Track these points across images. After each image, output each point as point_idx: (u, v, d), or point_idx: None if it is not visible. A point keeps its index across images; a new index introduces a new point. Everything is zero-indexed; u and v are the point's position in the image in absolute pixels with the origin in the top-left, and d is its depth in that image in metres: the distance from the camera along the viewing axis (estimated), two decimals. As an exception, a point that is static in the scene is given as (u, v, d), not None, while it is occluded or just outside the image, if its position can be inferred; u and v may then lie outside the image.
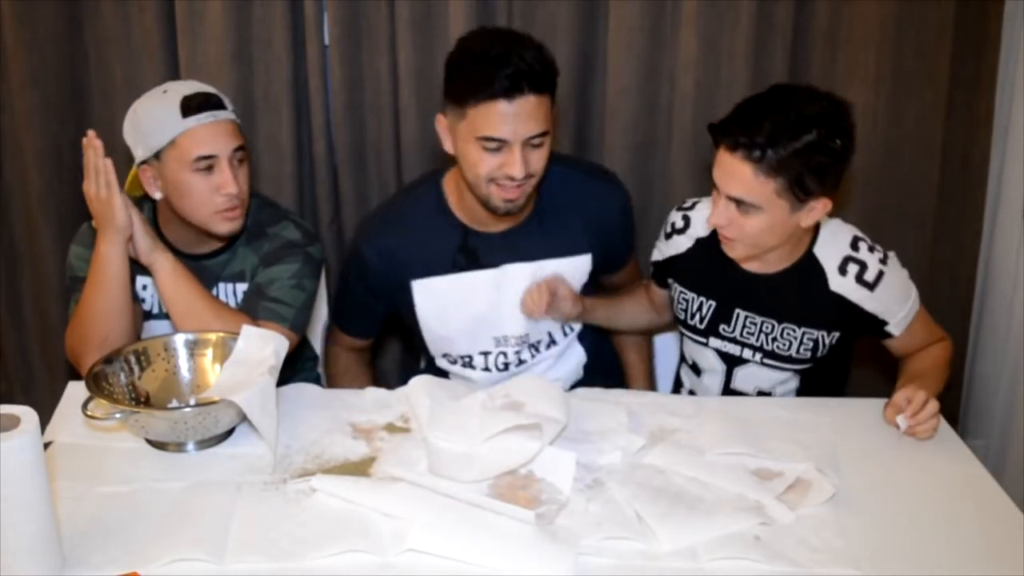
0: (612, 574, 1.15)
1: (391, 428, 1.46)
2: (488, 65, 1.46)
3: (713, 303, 1.67)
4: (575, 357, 1.86)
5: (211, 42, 2.08)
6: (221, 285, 1.70)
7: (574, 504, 1.26)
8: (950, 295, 2.28)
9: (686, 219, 1.71)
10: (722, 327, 1.67)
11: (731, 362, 1.69)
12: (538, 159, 1.54)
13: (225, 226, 1.60)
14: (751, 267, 1.62)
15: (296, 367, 1.86)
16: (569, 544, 1.17)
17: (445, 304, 1.71)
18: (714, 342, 1.69)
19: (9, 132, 2.18)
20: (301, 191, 2.21)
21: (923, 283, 2.16)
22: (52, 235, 2.20)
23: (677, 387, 1.88)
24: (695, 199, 1.74)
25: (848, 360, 1.75)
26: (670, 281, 1.75)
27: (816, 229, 1.59)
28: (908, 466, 1.38)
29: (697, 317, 1.69)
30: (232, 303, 1.69)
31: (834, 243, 1.58)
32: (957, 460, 1.41)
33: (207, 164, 1.54)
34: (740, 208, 1.46)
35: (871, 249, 1.58)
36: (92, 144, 1.53)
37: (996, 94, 2.14)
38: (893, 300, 1.58)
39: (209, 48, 2.08)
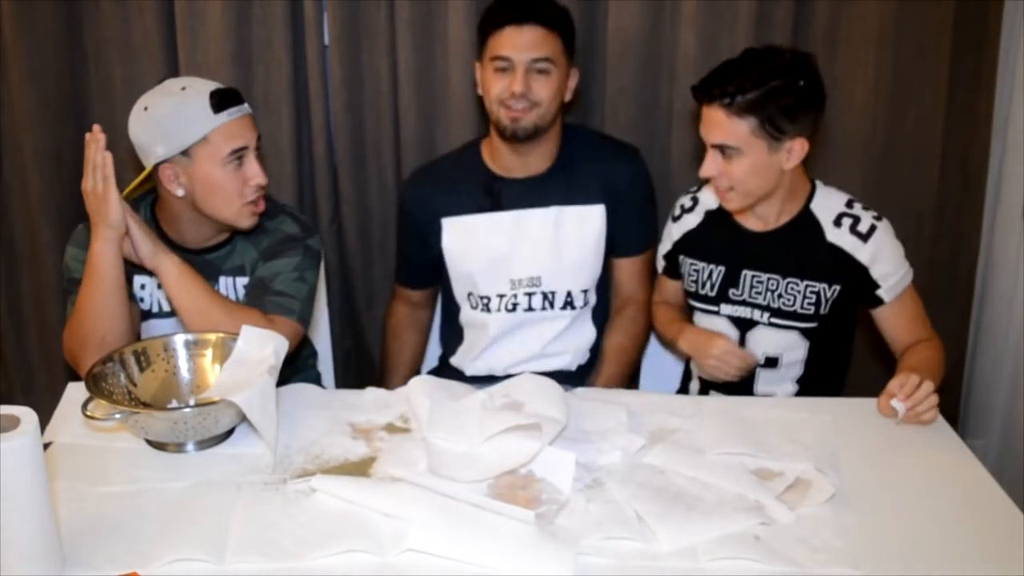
0: (612, 574, 1.15)
1: (391, 428, 1.46)
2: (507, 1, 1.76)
3: (722, 268, 1.75)
4: (586, 334, 1.94)
5: (211, 42, 2.08)
6: (222, 279, 1.71)
7: (574, 504, 1.26)
8: (950, 295, 2.28)
9: (695, 199, 1.83)
10: (731, 291, 1.74)
11: (743, 326, 1.75)
12: (541, 87, 1.74)
13: (251, 220, 1.64)
14: (753, 226, 1.72)
15: (296, 364, 1.87)
16: (569, 544, 1.17)
17: (469, 242, 1.88)
18: (725, 308, 1.75)
19: (9, 132, 2.18)
20: (301, 191, 2.21)
21: (923, 283, 2.16)
22: (52, 235, 2.20)
23: (687, 378, 1.91)
24: (697, 187, 1.85)
25: (851, 333, 1.80)
26: (680, 259, 1.82)
27: (812, 189, 1.70)
28: (908, 466, 1.38)
29: (708, 285, 1.76)
30: (232, 296, 1.70)
31: (829, 201, 1.70)
32: (957, 460, 1.41)
33: (239, 156, 1.57)
34: (725, 155, 1.59)
35: (865, 208, 1.69)
36: (95, 138, 1.53)
37: (996, 94, 2.14)
38: (885, 258, 1.66)
39: (209, 48, 2.08)
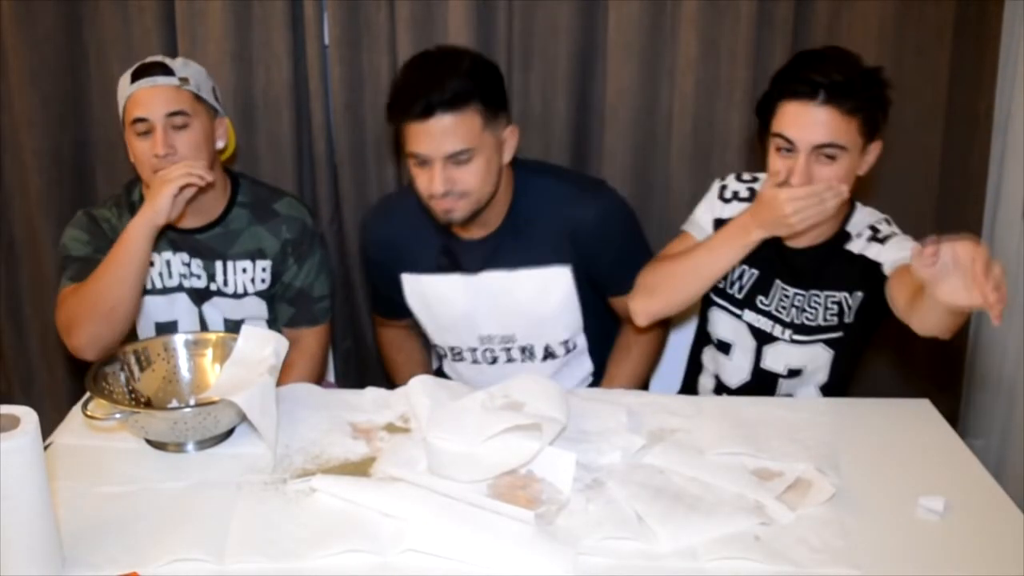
0: (612, 574, 1.15)
1: (391, 428, 1.46)
2: (405, 91, 1.55)
3: (756, 272, 1.66)
4: (581, 370, 1.88)
5: (211, 42, 2.08)
6: (229, 264, 1.75)
7: (574, 504, 1.26)
8: (950, 295, 2.28)
9: (751, 191, 1.68)
10: (759, 299, 1.67)
11: (761, 339, 1.69)
12: (464, 176, 1.56)
13: None
14: (794, 243, 1.63)
15: None
16: (569, 544, 1.17)
17: (430, 301, 1.79)
18: (748, 315, 1.69)
19: (9, 132, 2.18)
20: (301, 191, 2.21)
21: (923, 283, 2.16)
22: (52, 235, 2.20)
23: (695, 373, 1.84)
24: (754, 174, 1.72)
25: (868, 339, 1.73)
26: None
27: (852, 207, 1.63)
28: (908, 466, 1.38)
29: (736, 286, 1.69)
30: (243, 278, 1.76)
31: (864, 219, 1.62)
32: (957, 460, 1.41)
33: (144, 128, 1.63)
34: (822, 159, 1.47)
35: (889, 223, 1.62)
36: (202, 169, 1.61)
37: (996, 94, 2.14)
38: (896, 249, 1.55)
39: (209, 48, 2.08)
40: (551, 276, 1.72)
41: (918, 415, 1.54)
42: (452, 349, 1.84)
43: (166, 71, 1.65)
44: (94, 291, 1.60)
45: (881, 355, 2.29)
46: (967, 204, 2.22)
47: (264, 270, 1.77)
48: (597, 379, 1.87)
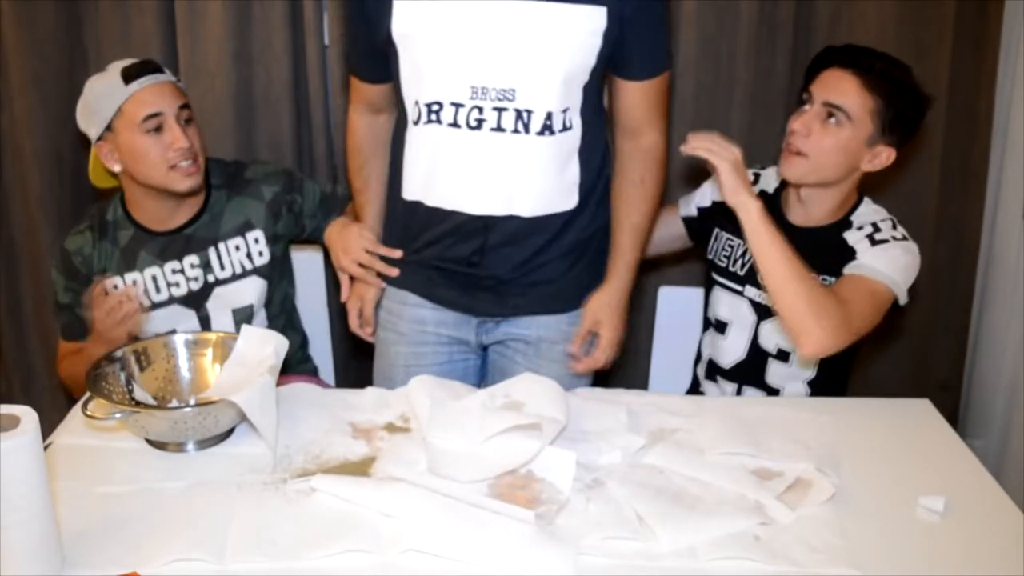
0: (612, 574, 1.15)
1: (391, 428, 1.46)
2: None
3: None
4: (571, 169, 1.59)
5: (211, 42, 2.08)
6: (221, 246, 1.76)
7: (574, 504, 1.26)
8: (950, 295, 2.28)
9: (756, 175, 1.80)
10: (760, 275, 1.69)
11: (762, 313, 1.72)
12: None
13: (184, 183, 1.67)
14: (795, 219, 1.70)
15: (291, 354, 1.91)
16: (569, 544, 1.17)
17: (421, 33, 1.47)
18: (750, 291, 1.73)
19: (9, 132, 2.18)
20: (301, 191, 2.21)
21: (923, 284, 2.16)
22: (52, 235, 2.20)
23: (696, 363, 1.89)
24: (763, 165, 1.83)
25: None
26: (716, 233, 1.79)
27: (860, 199, 1.69)
28: (908, 466, 1.38)
29: (739, 263, 1.74)
30: (238, 256, 1.77)
31: (869, 214, 1.67)
32: (957, 460, 1.41)
33: (155, 124, 1.63)
34: (829, 119, 1.58)
35: (894, 226, 1.65)
36: (128, 295, 1.60)
37: (996, 94, 2.15)
38: (877, 257, 1.58)
39: (209, 48, 2.08)
40: (584, 17, 1.44)
41: (918, 415, 1.54)
42: (430, 106, 1.50)
43: (159, 69, 1.67)
44: (77, 380, 1.67)
45: (881, 354, 2.29)
46: (967, 204, 2.22)
47: (257, 241, 1.78)
48: (585, 198, 1.60)
